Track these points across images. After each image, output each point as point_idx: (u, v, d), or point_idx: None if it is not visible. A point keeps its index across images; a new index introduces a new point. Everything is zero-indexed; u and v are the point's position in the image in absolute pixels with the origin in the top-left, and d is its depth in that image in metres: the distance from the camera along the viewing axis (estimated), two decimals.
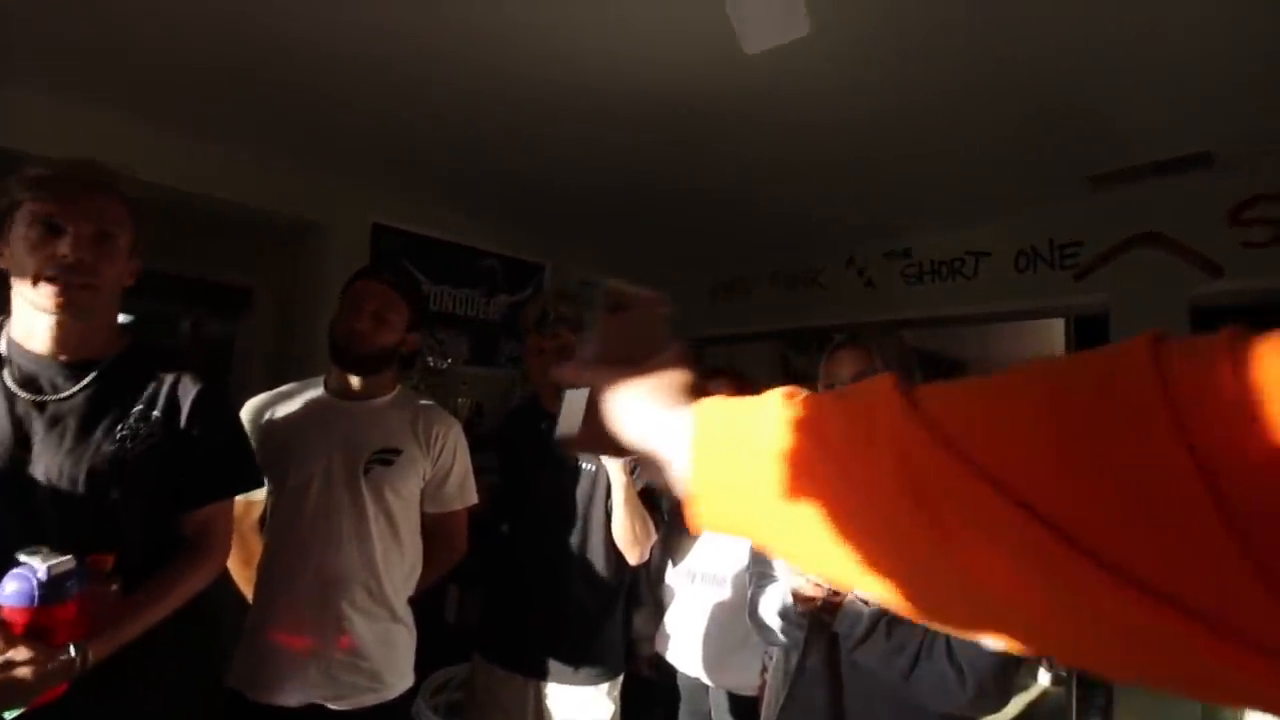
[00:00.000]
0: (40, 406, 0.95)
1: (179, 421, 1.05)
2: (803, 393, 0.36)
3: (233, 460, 1.14)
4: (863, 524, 0.31)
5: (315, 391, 1.42)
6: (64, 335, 0.98)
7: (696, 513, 0.37)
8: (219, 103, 2.05)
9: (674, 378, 0.43)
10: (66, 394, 0.97)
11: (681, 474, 0.38)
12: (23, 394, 0.95)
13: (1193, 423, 0.21)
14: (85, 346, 1.00)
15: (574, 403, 0.45)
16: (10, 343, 0.99)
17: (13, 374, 0.96)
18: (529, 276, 3.41)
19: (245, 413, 1.36)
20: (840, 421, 0.32)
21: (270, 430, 1.36)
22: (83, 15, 1.59)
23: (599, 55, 1.71)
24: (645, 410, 0.42)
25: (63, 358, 0.98)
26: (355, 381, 1.39)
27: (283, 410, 1.39)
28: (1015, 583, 0.25)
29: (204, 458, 1.07)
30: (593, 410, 0.45)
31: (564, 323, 1.57)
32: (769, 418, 0.35)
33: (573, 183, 2.63)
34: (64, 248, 0.93)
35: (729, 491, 0.36)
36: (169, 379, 1.05)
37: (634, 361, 0.44)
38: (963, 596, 0.29)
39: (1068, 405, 0.25)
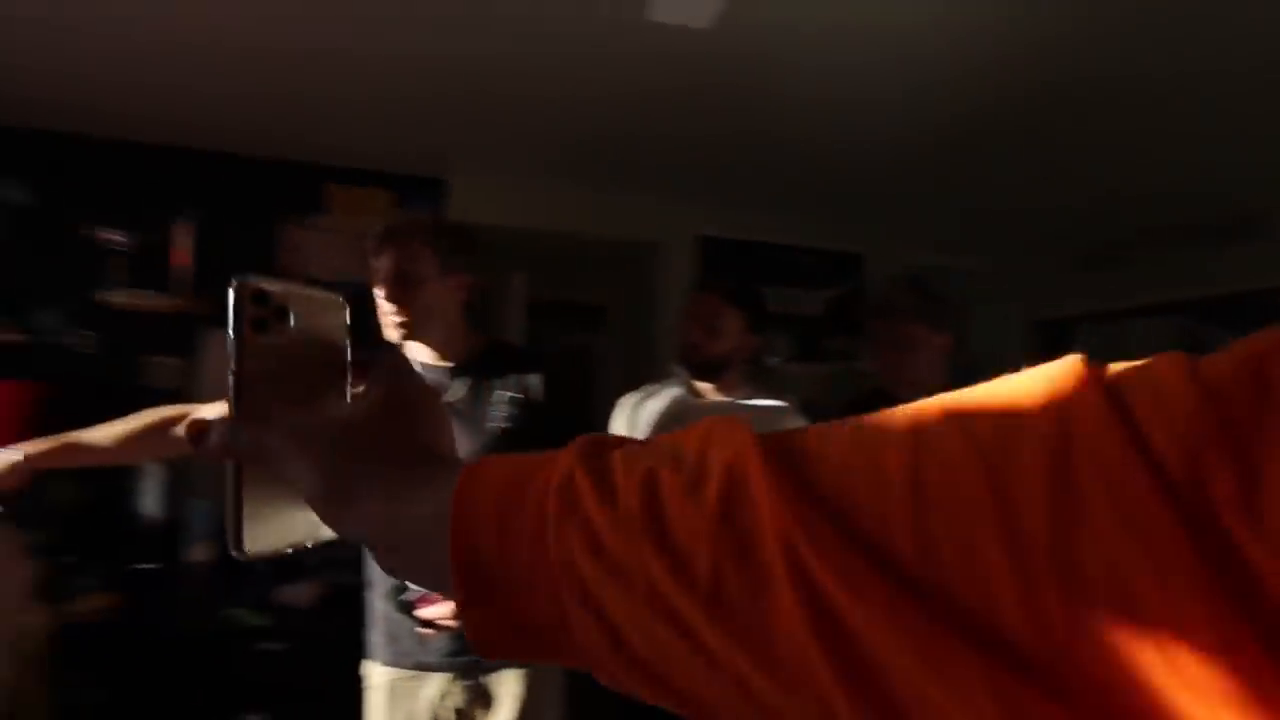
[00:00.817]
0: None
1: (534, 403, 1.27)
2: (612, 447, 0.26)
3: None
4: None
5: (676, 390, 1.61)
6: (430, 348, 1.27)
7: (471, 640, 0.26)
8: (581, 150, 2.50)
9: (380, 426, 0.29)
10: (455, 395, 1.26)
11: (438, 580, 0.26)
12: None
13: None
14: (449, 354, 1.27)
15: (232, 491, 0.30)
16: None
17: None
18: (848, 268, 3.32)
19: (621, 407, 1.62)
20: (685, 513, 0.22)
21: (639, 422, 1.60)
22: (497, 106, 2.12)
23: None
24: (372, 485, 0.28)
25: (442, 364, 1.27)
26: (703, 385, 1.55)
27: (650, 406, 1.62)
28: None
29: (556, 433, 1.27)
30: (258, 489, 0.30)
31: (905, 311, 1.50)
32: (554, 506, 0.24)
33: (888, 165, 2.49)
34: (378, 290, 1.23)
35: (508, 612, 0.25)
36: (523, 370, 1.29)
37: (306, 400, 0.31)
38: None
39: (1015, 496, 0.18)
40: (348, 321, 0.34)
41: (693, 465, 0.23)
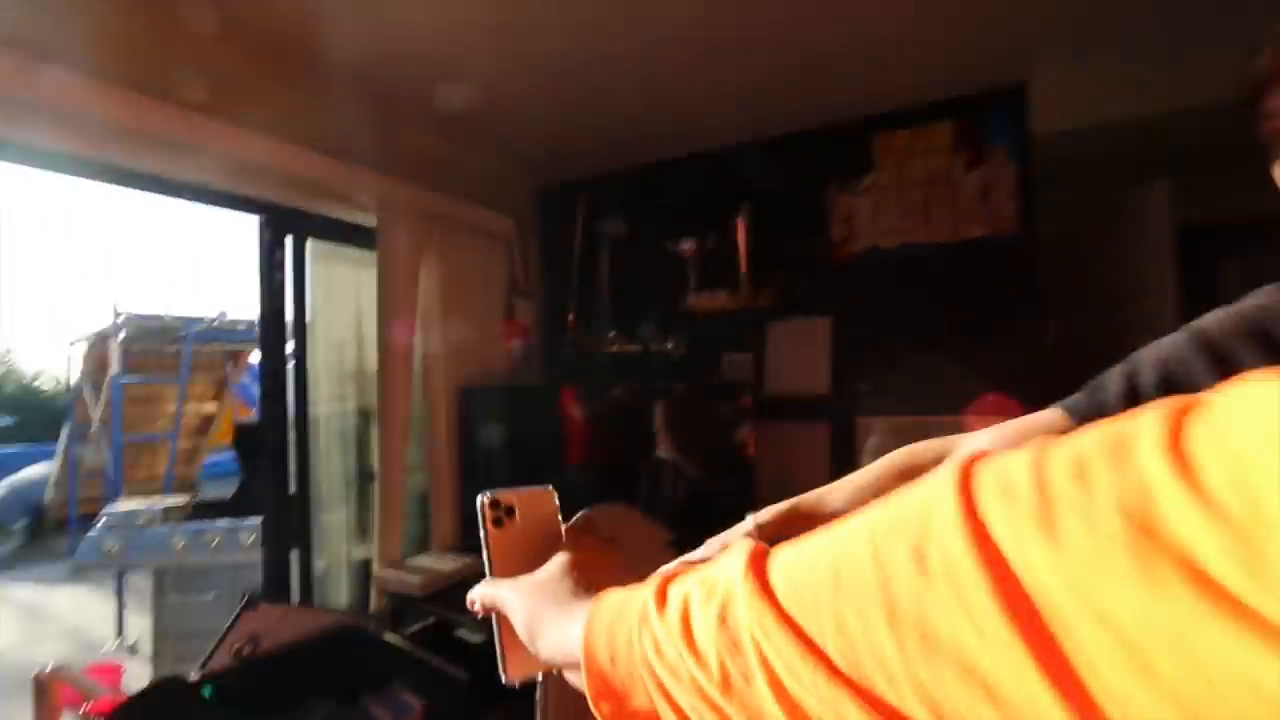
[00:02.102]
0: None
1: None
2: (675, 575, 0.35)
3: None
4: None
5: None
6: None
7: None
8: None
9: (558, 578, 0.43)
10: None
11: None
12: None
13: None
14: None
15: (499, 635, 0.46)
16: None
17: None
18: None
19: None
20: (700, 621, 0.31)
21: None
22: None
23: None
24: (545, 625, 0.41)
25: None
26: None
27: None
28: None
29: None
30: (510, 633, 0.44)
31: None
32: (637, 621, 0.34)
33: None
34: None
35: (623, 704, 0.35)
36: None
37: (535, 566, 0.45)
38: None
39: (892, 579, 0.24)
40: (556, 503, 0.50)
41: (714, 579, 0.32)
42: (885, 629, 0.23)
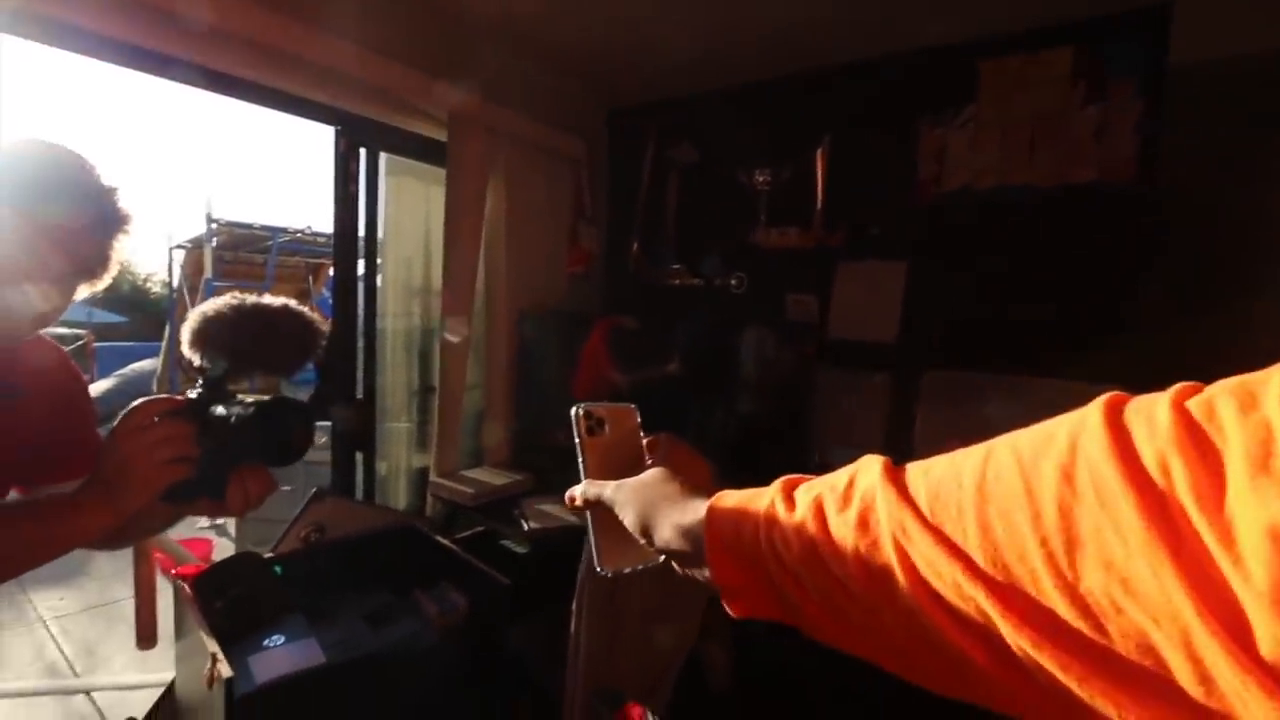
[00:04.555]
0: None
1: None
2: (800, 483, 0.41)
3: None
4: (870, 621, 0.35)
5: None
6: None
7: (726, 602, 0.43)
8: None
9: (667, 479, 0.49)
10: None
11: (707, 573, 0.43)
12: None
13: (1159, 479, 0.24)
14: None
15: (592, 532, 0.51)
16: None
17: None
18: None
19: None
20: (840, 520, 0.36)
21: None
22: None
23: None
24: (661, 517, 0.47)
25: None
26: None
27: None
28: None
29: None
30: (607, 530, 0.51)
31: None
32: (764, 518, 0.40)
33: None
34: None
35: (748, 586, 0.42)
36: None
37: (623, 473, 0.51)
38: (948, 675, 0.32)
39: (1039, 492, 0.27)
40: (639, 419, 0.55)
41: (845, 487, 0.37)
42: (1030, 533, 0.27)
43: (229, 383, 0.85)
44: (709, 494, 0.46)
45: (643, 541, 0.48)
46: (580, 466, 0.52)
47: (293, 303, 0.92)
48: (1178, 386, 0.26)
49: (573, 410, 0.52)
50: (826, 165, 2.12)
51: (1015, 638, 0.27)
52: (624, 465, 0.51)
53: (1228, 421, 0.23)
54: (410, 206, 2.24)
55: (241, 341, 0.84)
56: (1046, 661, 0.26)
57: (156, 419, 0.76)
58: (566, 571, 1.34)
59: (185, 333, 0.85)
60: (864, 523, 0.34)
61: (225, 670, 0.92)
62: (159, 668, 2.64)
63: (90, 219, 0.81)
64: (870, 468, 0.36)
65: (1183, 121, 1.67)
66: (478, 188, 2.07)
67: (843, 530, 0.35)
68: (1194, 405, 0.24)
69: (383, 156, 2.08)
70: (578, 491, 0.52)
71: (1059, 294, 1.78)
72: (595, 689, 1.19)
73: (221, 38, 1.43)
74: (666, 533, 0.46)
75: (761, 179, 2.22)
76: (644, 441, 0.55)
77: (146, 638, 2.38)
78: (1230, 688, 0.21)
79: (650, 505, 0.47)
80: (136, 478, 0.73)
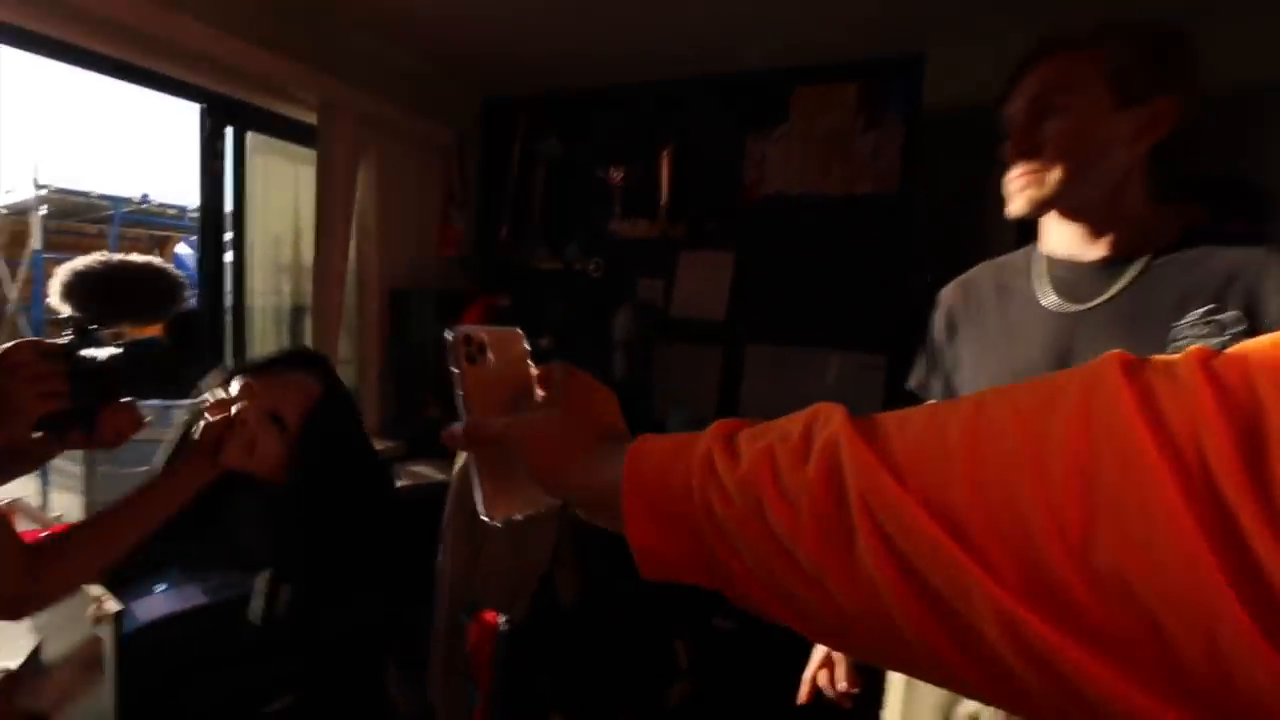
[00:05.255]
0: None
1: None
2: (739, 428, 0.36)
3: None
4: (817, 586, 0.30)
5: None
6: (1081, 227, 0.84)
7: (639, 563, 0.37)
8: None
9: (575, 418, 0.42)
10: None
11: (620, 525, 0.37)
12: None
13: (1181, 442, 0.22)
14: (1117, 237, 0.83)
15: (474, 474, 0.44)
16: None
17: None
18: None
19: None
20: (796, 475, 0.30)
21: None
22: None
23: None
24: (568, 466, 0.40)
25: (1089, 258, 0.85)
26: None
27: None
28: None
29: None
30: (494, 472, 0.44)
31: None
32: (700, 470, 0.34)
33: None
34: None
35: (672, 550, 0.36)
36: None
37: (510, 407, 0.44)
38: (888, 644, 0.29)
39: (1049, 449, 0.24)
40: (526, 345, 0.47)
41: (798, 439, 0.32)
42: (1035, 496, 0.24)
43: (99, 330, 0.95)
44: (623, 436, 0.41)
45: (544, 486, 0.41)
46: (459, 400, 0.44)
47: (157, 260, 1.07)
48: (1193, 348, 0.24)
49: (446, 333, 0.44)
50: (671, 166, 2.44)
51: (999, 610, 0.24)
52: (510, 397, 0.44)
53: (1267, 394, 0.21)
54: (278, 184, 2.30)
55: (113, 293, 0.98)
56: (1036, 639, 0.23)
57: (32, 358, 0.84)
58: (437, 524, 1.54)
59: (55, 284, 0.98)
60: (824, 480, 0.29)
61: (112, 605, 1.05)
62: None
63: None
64: (830, 417, 0.31)
65: (934, 147, 2.14)
66: (348, 172, 2.18)
67: (797, 488, 0.30)
68: (1222, 370, 0.22)
69: (249, 134, 2.14)
70: (459, 428, 0.43)
71: (849, 280, 2.22)
72: (458, 602, 1.42)
73: (94, 19, 1.48)
74: (573, 482, 0.40)
75: (616, 175, 2.50)
76: (533, 371, 0.46)
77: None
78: (1251, 687, 0.20)
79: (553, 452, 0.40)
80: (11, 408, 0.80)
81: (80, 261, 0.99)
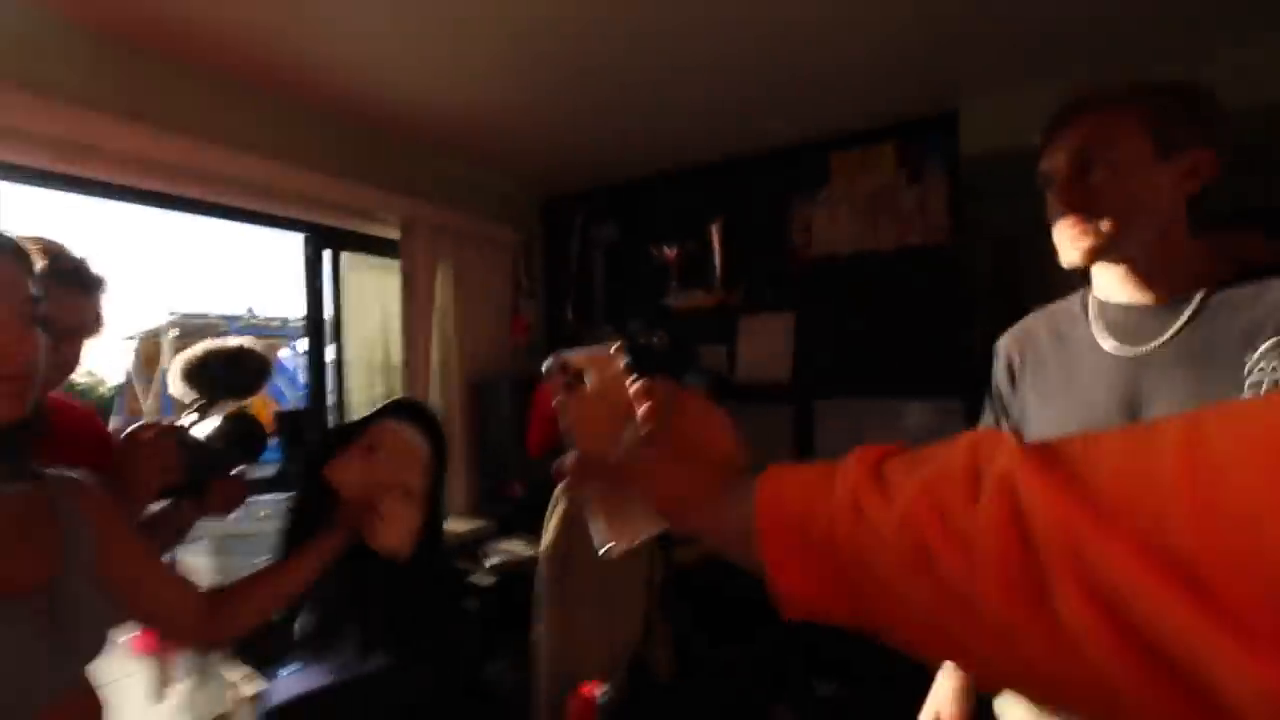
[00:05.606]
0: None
1: None
2: (885, 457, 0.32)
3: None
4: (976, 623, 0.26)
5: None
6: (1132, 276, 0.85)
7: (782, 607, 0.34)
8: None
9: (696, 458, 0.40)
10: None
11: (755, 561, 0.34)
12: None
13: None
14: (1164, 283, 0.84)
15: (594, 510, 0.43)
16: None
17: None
18: None
19: None
20: (969, 515, 0.27)
21: None
22: None
23: None
24: (691, 507, 0.38)
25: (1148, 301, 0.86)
26: None
27: None
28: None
29: None
30: (608, 504, 0.42)
31: None
32: (848, 509, 0.31)
33: None
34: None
35: (816, 595, 0.32)
36: None
37: (616, 429, 0.42)
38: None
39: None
40: (623, 363, 0.45)
41: (962, 472, 0.28)
42: None
43: (208, 409, 1.11)
44: (746, 468, 0.38)
45: (670, 522, 0.40)
46: (565, 432, 0.43)
47: (246, 341, 1.23)
48: None
49: (545, 364, 0.44)
50: (722, 237, 2.56)
51: (1261, 690, 0.19)
52: (610, 419, 0.42)
53: None
54: (369, 294, 2.57)
55: (213, 371, 1.13)
56: None
57: (151, 437, 0.96)
58: (528, 596, 1.62)
59: (173, 374, 1.14)
60: (1004, 522, 0.25)
61: (249, 689, 1.18)
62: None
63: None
64: (997, 446, 0.28)
65: (987, 197, 2.16)
66: (428, 278, 2.42)
67: (971, 532, 0.26)
68: None
69: (344, 254, 2.42)
70: (571, 461, 0.42)
71: (910, 329, 2.22)
72: (556, 674, 1.47)
73: (217, 179, 1.78)
74: (701, 523, 0.37)
75: (671, 252, 2.64)
76: (631, 389, 0.44)
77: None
78: None
79: (673, 487, 0.38)
80: (138, 480, 0.92)
81: (188, 352, 1.15)
